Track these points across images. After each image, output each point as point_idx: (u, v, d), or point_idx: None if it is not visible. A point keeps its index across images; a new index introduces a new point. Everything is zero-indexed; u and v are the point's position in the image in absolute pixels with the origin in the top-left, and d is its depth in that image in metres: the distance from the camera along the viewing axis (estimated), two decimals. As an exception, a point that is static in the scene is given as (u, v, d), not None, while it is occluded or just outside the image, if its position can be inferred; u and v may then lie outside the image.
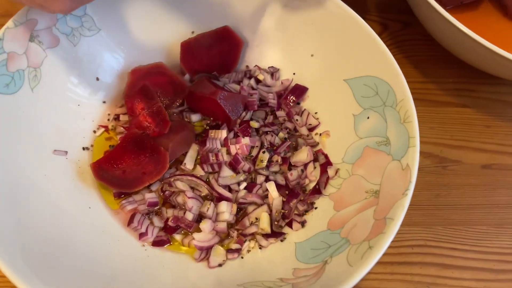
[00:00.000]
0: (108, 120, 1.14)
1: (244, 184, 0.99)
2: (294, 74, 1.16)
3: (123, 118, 1.06)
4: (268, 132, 1.07)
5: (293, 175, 1.03)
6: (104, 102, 1.15)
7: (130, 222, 0.95)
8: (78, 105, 1.04)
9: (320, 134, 1.09)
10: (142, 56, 1.16)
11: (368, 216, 0.84)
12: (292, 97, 1.19)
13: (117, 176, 0.97)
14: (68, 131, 1.01)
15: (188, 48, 1.17)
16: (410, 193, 0.89)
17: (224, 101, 1.09)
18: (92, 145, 1.11)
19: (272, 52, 1.22)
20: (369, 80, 1.02)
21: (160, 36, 1.19)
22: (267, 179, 1.01)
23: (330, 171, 1.02)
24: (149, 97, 1.02)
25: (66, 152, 1.00)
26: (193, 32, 1.20)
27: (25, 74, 1.01)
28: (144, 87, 1.09)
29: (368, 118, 1.01)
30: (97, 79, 1.13)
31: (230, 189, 0.99)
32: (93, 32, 1.12)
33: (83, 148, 1.03)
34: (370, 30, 1.08)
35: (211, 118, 1.09)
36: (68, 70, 1.08)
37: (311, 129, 1.11)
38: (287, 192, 1.02)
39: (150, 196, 0.98)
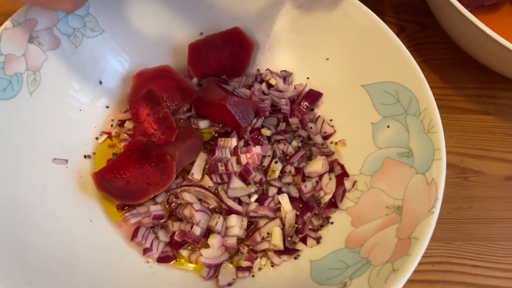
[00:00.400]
0: (112, 126, 1.08)
1: (255, 196, 0.95)
2: (307, 78, 1.11)
3: (128, 124, 1.02)
4: (281, 141, 1.02)
5: (307, 187, 0.97)
6: (107, 107, 1.10)
7: (134, 236, 0.91)
8: (79, 110, 1.00)
9: (336, 143, 1.04)
10: (148, 59, 1.11)
11: (390, 234, 0.78)
12: (305, 103, 1.13)
13: (120, 187, 0.92)
14: (69, 138, 1.00)
15: (196, 50, 1.12)
16: (437, 210, 0.83)
17: (234, 107, 1.03)
18: (94, 153, 1.06)
19: (285, 55, 1.12)
20: (389, 86, 0.97)
21: (166, 37, 1.13)
22: (279, 191, 0.96)
23: (347, 183, 0.97)
24: (155, 102, 0.97)
25: (67, 160, 0.95)
26: (201, 33, 1.15)
27: (24, 78, 0.95)
28: (150, 91, 1.03)
29: (388, 127, 0.96)
30: (100, 82, 1.08)
31: (240, 202, 0.94)
32: (96, 33, 1.07)
33: (85, 156, 0.99)
34: (390, 33, 1.01)
35: (220, 125, 1.04)
36: (70, 73, 1.02)
37: (326, 138, 1.06)
38: (300, 205, 0.97)
39: (155, 209, 0.93)
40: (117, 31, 1.09)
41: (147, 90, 1.03)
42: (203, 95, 1.00)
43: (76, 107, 1.04)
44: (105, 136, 1.06)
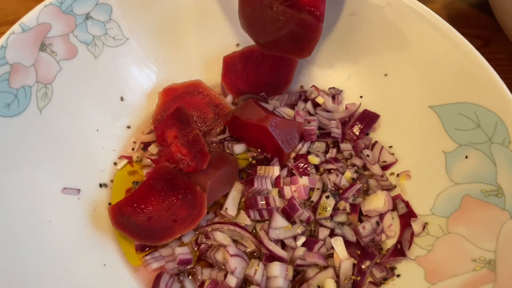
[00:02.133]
0: (133, 149, 0.98)
1: (302, 239, 0.85)
2: (361, 97, 1.03)
3: (152, 148, 0.97)
4: (332, 171, 0.94)
5: (366, 228, 0.87)
6: (128, 127, 1.00)
7: (155, 285, 0.81)
8: (96, 130, 0.95)
9: (398, 175, 0.95)
10: (177, 73, 1.02)
11: (484, 298, 0.62)
12: (359, 125, 1.00)
13: (140, 224, 0.84)
14: (83, 163, 0.91)
15: (232, 63, 1.03)
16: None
17: (276, 129, 0.91)
18: (112, 181, 0.94)
19: (334, 70, 1.05)
20: (466, 108, 0.86)
21: (198, 48, 1.04)
22: (332, 233, 0.87)
23: (415, 226, 0.87)
24: (184, 123, 0.92)
25: (79, 190, 0.88)
26: (238, 45, 1.06)
27: (33, 92, 0.84)
28: (178, 110, 0.93)
29: (466, 157, 0.85)
30: (122, 99, 0.99)
31: (284, 245, 0.85)
32: (119, 42, 0.97)
33: (100, 185, 0.93)
34: (467, 44, 0.86)
35: (259, 150, 0.97)
36: (87, 87, 0.93)
37: (385, 168, 0.97)
38: (358, 251, 0.87)
39: (181, 251, 0.84)
40: (143, 40, 0.99)
41: (176, 108, 0.93)
42: (240, 115, 0.93)
43: (93, 127, 0.94)
44: (125, 161, 0.96)
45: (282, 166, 0.93)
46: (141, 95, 1.00)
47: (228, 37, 1.04)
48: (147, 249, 0.86)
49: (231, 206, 0.88)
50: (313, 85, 1.05)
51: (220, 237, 0.84)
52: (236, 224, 0.85)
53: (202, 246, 0.85)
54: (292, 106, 1.03)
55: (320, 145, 0.97)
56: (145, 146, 0.97)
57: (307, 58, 1.04)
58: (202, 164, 0.86)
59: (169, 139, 0.92)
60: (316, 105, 1.03)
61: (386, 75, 0.99)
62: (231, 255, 0.81)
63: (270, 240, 0.83)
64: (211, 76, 1.03)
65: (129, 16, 0.95)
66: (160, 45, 1.00)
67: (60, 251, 0.79)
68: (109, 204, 0.89)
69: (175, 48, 1.01)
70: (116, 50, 0.95)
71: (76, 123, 0.90)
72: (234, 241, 0.85)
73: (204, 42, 1.03)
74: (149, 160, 0.94)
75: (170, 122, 0.92)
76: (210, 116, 0.99)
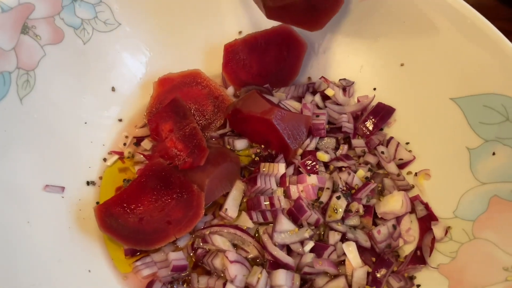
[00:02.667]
0: (124, 144, 0.92)
1: (310, 244, 0.79)
2: (374, 89, 0.97)
3: (145, 143, 0.91)
4: (343, 169, 0.88)
5: (381, 233, 0.81)
6: (120, 120, 0.94)
7: None
8: (85, 123, 0.89)
9: (416, 174, 0.89)
10: (174, 61, 0.97)
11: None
12: (373, 120, 0.93)
13: (130, 226, 0.78)
14: (68, 159, 0.85)
15: (234, 52, 0.97)
16: None
17: (281, 123, 0.86)
18: (100, 178, 0.88)
19: (345, 60, 0.99)
20: (492, 100, 0.80)
21: (197, 35, 0.99)
22: (343, 238, 0.81)
23: (436, 230, 0.80)
24: (180, 115, 0.86)
25: (63, 188, 0.83)
26: (240, 32, 1.01)
27: (12, 79, 0.78)
28: (175, 101, 0.87)
29: (493, 154, 0.79)
30: (113, 89, 0.93)
31: (290, 251, 0.80)
32: (111, 27, 0.91)
33: (88, 183, 0.87)
34: (495, 32, 0.79)
35: (262, 146, 0.91)
36: (74, 75, 0.87)
37: (402, 166, 0.91)
38: (373, 258, 0.80)
39: (175, 257, 0.78)
40: (137, 25, 0.94)
41: (171, 100, 0.88)
42: (242, 108, 0.88)
43: (81, 119, 0.88)
44: (116, 157, 0.90)
45: (288, 164, 0.87)
46: (134, 85, 0.95)
47: (230, 23, 0.99)
48: (137, 254, 0.81)
49: (231, 207, 0.83)
50: (322, 76, 0.99)
51: (219, 241, 0.79)
52: (236, 227, 0.81)
53: (199, 251, 0.80)
54: (299, 99, 0.97)
55: (329, 141, 0.91)
56: (138, 141, 0.92)
57: (315, 47, 0.99)
58: (200, 160, 0.80)
59: (164, 133, 0.86)
60: (325, 98, 0.97)
61: (402, 64, 0.93)
62: (231, 262, 0.75)
63: (275, 245, 0.78)
64: (211, 65, 0.98)
65: (123, -1, 0.90)
66: (156, 31, 0.95)
67: (39, 255, 0.72)
68: (97, 203, 0.84)
69: (172, 35, 0.96)
70: (107, 36, 0.90)
71: (61, 115, 0.85)
72: (235, 245, 0.80)
73: (204, 29, 0.98)
74: (142, 156, 0.88)
75: (165, 115, 0.86)
76: (209, 108, 0.93)
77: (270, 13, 0.87)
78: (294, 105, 0.95)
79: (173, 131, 0.84)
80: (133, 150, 0.90)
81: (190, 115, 0.86)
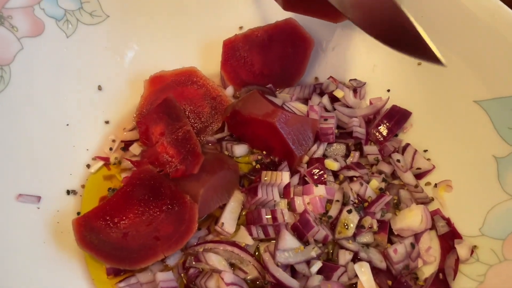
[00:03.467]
0: (111, 149, 0.86)
1: (318, 265, 0.73)
2: (388, 91, 0.91)
3: (134, 148, 0.85)
4: (354, 179, 0.81)
5: (398, 252, 0.75)
6: (106, 122, 0.88)
7: None
8: (66, 125, 0.83)
9: (436, 185, 0.83)
10: (167, 58, 0.92)
11: None
12: (387, 124, 0.87)
13: (113, 242, 0.72)
14: (47, 165, 0.79)
15: (234, 49, 0.91)
16: None
17: (285, 126, 0.80)
18: (83, 186, 0.82)
19: (356, 58, 0.93)
20: None
21: (193, 30, 0.93)
22: (355, 258, 0.75)
23: (461, 250, 0.74)
24: (173, 117, 0.80)
25: (39, 198, 0.76)
26: (241, 27, 0.95)
27: None
28: (167, 101, 0.82)
29: None
30: (99, 88, 0.88)
31: (294, 272, 0.74)
32: (98, 19, 0.85)
33: (68, 192, 0.80)
34: None
35: (264, 152, 0.84)
36: (55, 72, 0.81)
37: (419, 176, 0.84)
38: (389, 282, 0.75)
39: (164, 278, 0.72)
40: (127, 18, 0.88)
41: (163, 100, 0.82)
42: (241, 109, 0.82)
43: (62, 120, 0.82)
44: (101, 163, 0.84)
45: (293, 172, 0.81)
46: (123, 84, 0.89)
47: (230, 17, 0.93)
48: (121, 273, 0.75)
49: (228, 220, 0.78)
50: (331, 76, 0.93)
51: (214, 260, 0.73)
52: (234, 244, 0.75)
53: (191, 271, 0.74)
54: (305, 100, 0.92)
55: (339, 147, 0.85)
56: (126, 145, 0.86)
57: (323, 44, 0.93)
58: (193, 168, 0.74)
59: (154, 136, 0.80)
60: (334, 99, 0.91)
61: (419, 64, 0.86)
62: (227, 284, 0.70)
63: (277, 265, 0.72)
64: (208, 63, 0.93)
65: (111, -11, 0.85)
66: (148, 25, 0.89)
67: (9, 273, 0.66)
68: (78, 214, 0.77)
69: (166, 29, 0.91)
70: (93, 29, 0.84)
71: (40, 115, 0.79)
72: (232, 265, 0.75)
73: (201, 23, 0.93)
74: (129, 162, 0.81)
75: (156, 116, 0.81)
76: (206, 110, 0.87)
77: (287, 4, 0.80)
78: (299, 107, 0.89)
79: (164, 135, 0.78)
80: (120, 156, 0.84)
81: (183, 117, 0.81)
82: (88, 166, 0.82)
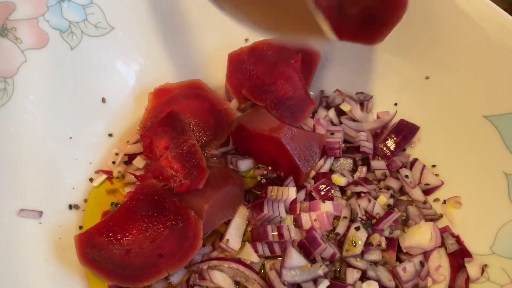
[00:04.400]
0: (114, 163, 0.83)
1: (325, 283, 0.71)
2: (396, 105, 0.89)
3: (138, 162, 0.83)
4: (362, 194, 0.79)
5: (407, 271, 0.73)
6: (110, 135, 0.86)
7: None
8: (69, 138, 0.81)
9: (445, 201, 0.80)
10: (172, 70, 0.91)
11: None
12: (395, 139, 0.85)
13: (116, 259, 0.70)
14: (49, 178, 0.77)
15: (239, 62, 0.90)
16: None
17: (292, 142, 0.78)
18: (85, 201, 0.80)
19: (362, 71, 0.91)
20: None
21: (199, 43, 0.92)
22: (363, 276, 0.73)
23: (471, 268, 0.72)
24: (177, 130, 0.78)
25: (41, 213, 0.74)
26: (246, 40, 0.93)
27: None
28: (172, 115, 0.80)
29: None
30: (103, 100, 0.86)
31: None
32: (103, 31, 0.84)
33: (70, 207, 0.78)
34: None
35: (269, 168, 0.83)
36: (59, 84, 0.79)
37: (428, 192, 0.82)
38: None
39: None
40: (132, 30, 0.87)
41: (168, 113, 0.80)
42: (247, 124, 0.81)
43: (65, 133, 0.80)
44: (104, 176, 0.82)
45: (299, 188, 0.79)
46: (127, 96, 0.87)
47: (236, 29, 0.85)
48: None
49: (233, 237, 0.76)
50: (337, 89, 0.92)
51: (219, 277, 0.71)
52: (239, 261, 0.73)
53: None
54: (312, 114, 0.88)
55: (346, 162, 0.84)
56: (130, 159, 0.84)
57: (329, 57, 0.93)
58: (198, 183, 0.72)
59: (159, 150, 0.78)
60: (340, 113, 0.90)
61: (427, 77, 0.85)
62: None
63: (284, 284, 0.70)
64: (213, 76, 0.92)
65: (116, 1, 0.83)
66: (153, 36, 0.88)
67: None
68: (80, 228, 0.75)
69: (171, 41, 0.89)
70: (98, 41, 0.83)
71: (43, 128, 0.77)
72: (237, 283, 0.72)
73: (207, 35, 0.92)
74: (133, 176, 0.79)
75: (160, 129, 0.79)
76: (210, 124, 0.85)
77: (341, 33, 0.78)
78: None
79: (169, 149, 0.76)
80: (124, 170, 0.82)
81: (188, 130, 0.79)
82: (91, 180, 0.80)
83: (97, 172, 0.81)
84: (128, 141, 0.85)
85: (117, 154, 0.84)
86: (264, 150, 0.80)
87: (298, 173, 0.79)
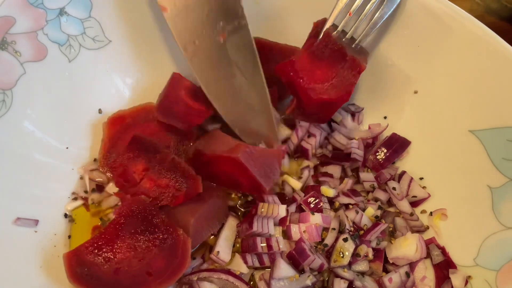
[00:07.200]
0: (86, 192, 0.82)
1: None
2: (385, 118, 0.90)
3: (110, 188, 0.81)
4: (350, 206, 0.79)
5: (392, 281, 0.73)
6: None
7: None
8: (66, 148, 0.81)
9: (431, 213, 0.81)
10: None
11: None
12: (385, 152, 0.85)
13: (104, 278, 0.68)
14: (45, 188, 0.78)
15: None
16: None
17: (251, 160, 0.75)
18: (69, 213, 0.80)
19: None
20: None
21: None
22: (350, 286, 0.74)
23: (455, 279, 0.73)
24: (151, 151, 0.76)
25: (37, 221, 0.74)
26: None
27: None
28: (137, 138, 0.78)
29: None
30: (100, 111, 0.86)
31: None
32: (100, 44, 0.84)
33: (66, 215, 0.78)
34: None
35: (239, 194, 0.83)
36: (57, 96, 0.80)
37: (415, 204, 0.83)
38: None
39: None
40: (129, 43, 0.87)
41: (132, 138, 0.78)
42: (204, 148, 0.78)
43: (62, 144, 0.81)
44: (79, 202, 0.80)
45: (290, 202, 0.79)
46: (123, 108, 0.87)
47: None
48: None
49: (224, 248, 0.75)
50: None
51: None
52: (229, 272, 0.73)
53: None
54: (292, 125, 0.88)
55: (334, 170, 0.84)
56: (98, 186, 0.82)
57: None
58: (196, 188, 0.72)
59: (137, 174, 0.75)
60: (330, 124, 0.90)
61: (416, 92, 0.86)
62: None
63: None
64: None
65: (114, 14, 0.83)
66: (149, 49, 0.88)
67: None
68: (69, 237, 0.75)
69: (168, 56, 0.89)
70: (95, 53, 0.83)
71: (41, 139, 0.78)
72: None
73: None
74: (112, 198, 0.79)
75: (132, 155, 0.76)
76: (171, 144, 0.84)
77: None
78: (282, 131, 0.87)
79: (149, 170, 0.75)
80: (97, 198, 0.80)
81: (161, 147, 0.77)
82: (86, 192, 0.79)
83: (74, 198, 0.79)
84: (91, 170, 0.82)
85: (81, 178, 0.81)
86: (224, 172, 0.77)
87: (261, 191, 0.77)
